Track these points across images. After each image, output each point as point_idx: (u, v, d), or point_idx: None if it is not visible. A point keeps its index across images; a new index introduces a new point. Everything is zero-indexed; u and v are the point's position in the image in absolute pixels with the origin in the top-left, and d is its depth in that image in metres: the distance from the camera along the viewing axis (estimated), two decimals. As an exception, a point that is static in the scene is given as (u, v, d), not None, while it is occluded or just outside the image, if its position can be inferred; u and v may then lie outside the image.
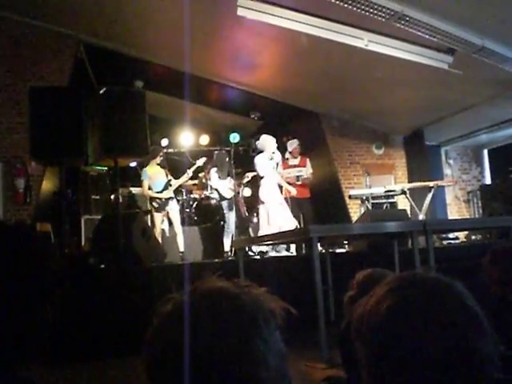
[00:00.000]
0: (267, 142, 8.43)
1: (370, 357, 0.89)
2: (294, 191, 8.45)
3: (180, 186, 8.73)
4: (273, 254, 7.91)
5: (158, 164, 8.35)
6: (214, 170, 8.95)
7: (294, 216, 8.29)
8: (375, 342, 0.88)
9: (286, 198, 8.46)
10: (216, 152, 9.28)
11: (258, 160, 8.35)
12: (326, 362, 4.02)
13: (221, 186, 8.85)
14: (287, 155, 8.98)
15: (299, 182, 8.65)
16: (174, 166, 9.21)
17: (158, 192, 8.11)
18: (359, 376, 0.93)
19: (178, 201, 8.71)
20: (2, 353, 1.00)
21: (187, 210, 9.32)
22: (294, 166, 8.80)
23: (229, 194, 8.77)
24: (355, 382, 2.01)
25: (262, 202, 8.14)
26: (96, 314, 5.12)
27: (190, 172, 8.63)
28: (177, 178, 8.47)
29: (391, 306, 0.88)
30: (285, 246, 8.01)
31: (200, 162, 8.85)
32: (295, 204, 8.53)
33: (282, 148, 10.74)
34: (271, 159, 8.22)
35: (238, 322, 0.80)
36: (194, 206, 9.49)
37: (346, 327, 2.78)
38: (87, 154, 6.20)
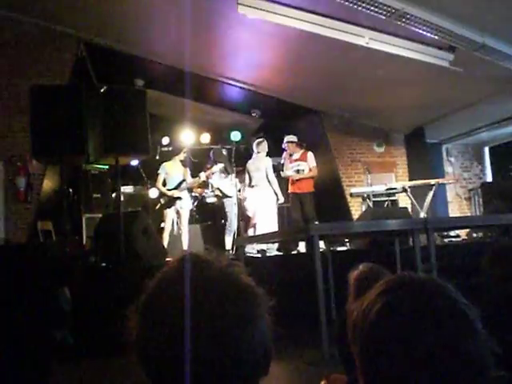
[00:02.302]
0: (266, 147, 8.60)
1: (362, 359, 0.90)
2: (282, 199, 8.62)
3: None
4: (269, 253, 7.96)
5: (182, 161, 8.42)
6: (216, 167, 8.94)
7: (294, 211, 8.46)
8: (366, 345, 0.89)
9: (292, 193, 8.60)
10: (212, 150, 9.29)
11: (270, 163, 8.48)
12: (328, 360, 4.02)
13: (222, 184, 8.86)
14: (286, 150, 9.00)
15: (297, 177, 8.63)
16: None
17: (169, 189, 8.18)
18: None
19: (192, 198, 8.79)
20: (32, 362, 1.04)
21: (190, 209, 9.34)
22: (295, 161, 8.77)
23: (231, 192, 8.77)
24: (355, 381, 2.01)
25: (266, 205, 8.29)
26: (97, 313, 5.12)
27: (203, 176, 8.65)
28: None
29: (380, 309, 0.88)
30: (275, 246, 8.08)
31: (216, 168, 8.79)
32: (296, 199, 8.56)
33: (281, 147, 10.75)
34: None
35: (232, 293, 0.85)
36: (196, 204, 9.51)
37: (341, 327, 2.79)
38: (88, 153, 6.20)
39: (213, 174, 8.82)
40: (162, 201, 8.15)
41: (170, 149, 9.41)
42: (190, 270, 0.86)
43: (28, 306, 0.90)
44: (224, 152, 9.15)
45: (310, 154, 8.79)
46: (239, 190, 8.98)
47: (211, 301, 0.82)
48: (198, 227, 9.14)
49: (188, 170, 8.52)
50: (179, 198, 8.22)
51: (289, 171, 8.70)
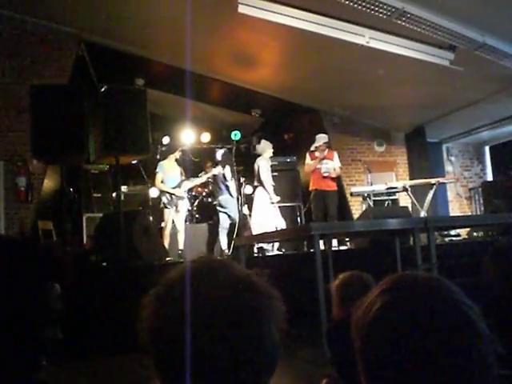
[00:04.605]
0: (268, 147, 8.61)
1: (363, 357, 0.89)
2: (276, 199, 8.57)
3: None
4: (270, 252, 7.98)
5: (177, 159, 8.43)
6: (228, 169, 8.92)
7: (316, 209, 8.44)
8: (366, 342, 0.88)
9: (316, 190, 8.49)
10: (222, 152, 9.27)
11: (263, 163, 8.46)
12: (328, 360, 4.02)
13: (230, 184, 8.90)
14: (313, 148, 8.77)
15: (334, 175, 8.58)
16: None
17: (172, 187, 8.15)
18: (352, 375, 0.92)
19: (188, 199, 8.79)
20: (22, 357, 1.02)
21: (189, 208, 9.34)
22: (321, 159, 8.58)
23: (235, 193, 8.79)
24: (349, 380, 2.01)
25: (260, 204, 8.27)
26: (97, 312, 5.13)
27: (204, 177, 8.67)
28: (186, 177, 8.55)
29: (380, 307, 0.88)
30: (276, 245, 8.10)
31: (216, 170, 8.76)
32: (320, 197, 8.47)
33: (283, 146, 10.75)
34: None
35: (237, 290, 0.85)
36: (196, 204, 9.50)
37: (330, 328, 2.80)
38: (88, 152, 6.21)
39: (214, 175, 8.84)
40: (165, 199, 8.10)
41: (168, 148, 9.40)
42: (205, 271, 0.87)
43: (12, 302, 0.89)
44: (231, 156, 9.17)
45: (336, 154, 8.78)
46: (239, 190, 8.97)
47: (225, 301, 0.83)
48: (197, 227, 9.14)
49: (182, 169, 8.52)
50: (181, 198, 8.22)
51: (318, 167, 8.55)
